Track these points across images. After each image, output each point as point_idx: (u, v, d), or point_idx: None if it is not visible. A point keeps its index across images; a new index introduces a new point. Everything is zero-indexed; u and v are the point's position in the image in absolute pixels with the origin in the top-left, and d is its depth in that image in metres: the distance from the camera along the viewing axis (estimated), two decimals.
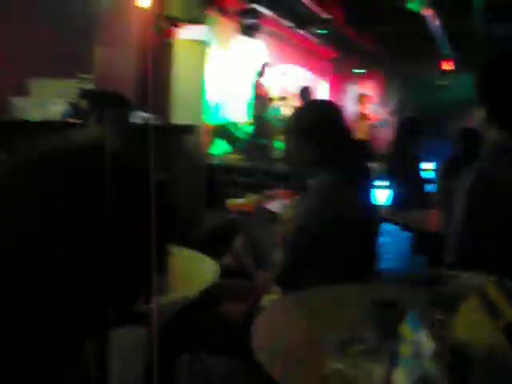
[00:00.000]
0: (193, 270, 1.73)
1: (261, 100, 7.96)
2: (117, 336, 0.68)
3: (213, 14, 7.19)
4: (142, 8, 5.44)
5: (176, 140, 5.54)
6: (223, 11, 7.78)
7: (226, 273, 2.01)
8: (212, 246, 2.38)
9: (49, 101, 4.98)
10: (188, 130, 5.49)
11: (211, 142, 7.22)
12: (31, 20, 5.79)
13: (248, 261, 2.25)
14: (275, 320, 1.52)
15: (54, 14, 5.69)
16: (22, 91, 5.93)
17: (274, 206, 3.32)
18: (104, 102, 2.19)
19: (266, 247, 2.17)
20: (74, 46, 5.68)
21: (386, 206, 4.63)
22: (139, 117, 4.73)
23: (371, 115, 13.46)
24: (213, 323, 1.84)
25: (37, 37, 5.96)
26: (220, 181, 6.28)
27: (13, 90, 5.79)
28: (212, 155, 6.84)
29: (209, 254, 2.01)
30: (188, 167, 5.82)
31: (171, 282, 1.45)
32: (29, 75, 5.90)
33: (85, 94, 3.81)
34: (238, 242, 2.33)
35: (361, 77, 13.73)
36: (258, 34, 8.51)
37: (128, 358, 1.23)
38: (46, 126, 3.84)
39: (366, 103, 13.62)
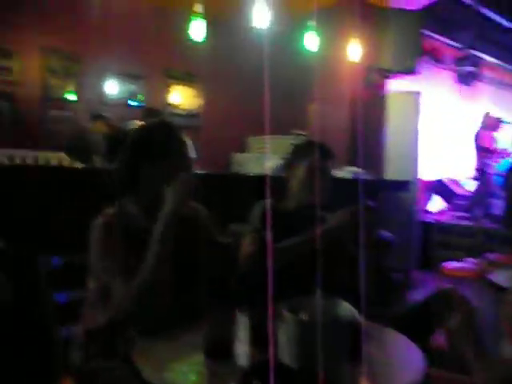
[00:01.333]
0: (394, 359, 1.32)
1: (484, 152, 7.15)
2: None
3: (426, 64, 6.83)
4: (354, 62, 5.38)
5: (388, 196, 5.22)
6: (437, 59, 7.35)
7: (436, 359, 1.57)
8: (419, 323, 1.92)
9: (265, 156, 5.32)
10: (401, 185, 5.13)
11: (427, 198, 6.69)
12: (253, 83, 6.22)
13: (467, 348, 1.74)
14: None
15: (271, 77, 5.97)
16: (243, 148, 6.43)
17: (499, 276, 2.70)
18: (309, 153, 2.06)
19: (491, 333, 1.68)
20: (290, 104, 5.88)
21: None
22: (350, 171, 4.56)
23: None
24: None
25: (255, 98, 6.34)
26: (435, 241, 5.70)
27: (236, 147, 6.34)
28: (427, 212, 6.32)
29: (414, 334, 1.61)
30: (399, 225, 5.42)
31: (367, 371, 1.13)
32: (249, 133, 6.38)
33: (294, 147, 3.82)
34: (454, 320, 1.83)
35: None
36: (477, 82, 7.82)
37: None
38: (264, 180, 3.94)
39: None
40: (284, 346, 1.04)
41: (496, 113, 7.78)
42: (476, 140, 7.19)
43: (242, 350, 1.17)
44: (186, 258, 1.49)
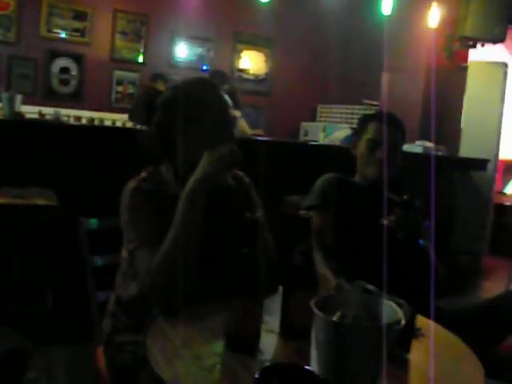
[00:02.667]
0: (446, 369, 1.10)
1: None
2: None
3: None
4: (434, 29, 5.00)
5: (461, 174, 4.87)
6: None
7: (503, 370, 1.39)
8: (487, 325, 1.69)
9: (334, 125, 5.13)
10: (477, 164, 4.76)
11: (505, 179, 6.22)
12: (325, 49, 5.99)
13: None
14: None
15: (343, 42, 5.71)
16: (312, 116, 6.25)
17: None
18: (374, 124, 1.86)
19: None
20: (363, 72, 5.60)
21: None
22: (422, 146, 4.27)
23: None
24: None
25: (327, 64, 6.12)
26: (510, 225, 5.32)
27: (305, 114, 6.17)
28: (504, 195, 5.87)
29: (479, 337, 1.41)
30: (472, 206, 5.08)
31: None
32: (318, 102, 6.18)
33: (361, 117, 3.63)
34: None
35: None
36: None
37: None
38: (326, 149, 3.82)
39: None
40: (313, 349, 0.90)
41: None
42: None
43: (269, 344, 1.05)
44: (219, 231, 1.36)
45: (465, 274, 4.92)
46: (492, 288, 4.46)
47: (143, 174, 1.36)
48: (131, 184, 1.33)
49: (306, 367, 0.83)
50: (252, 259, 1.01)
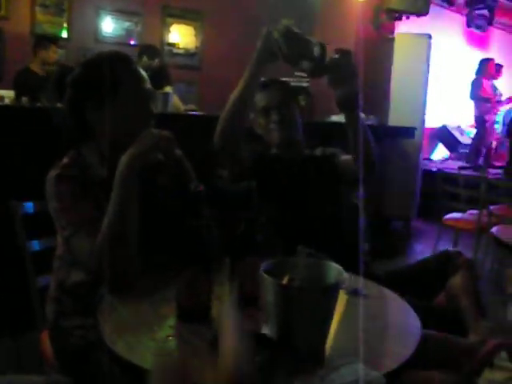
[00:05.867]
0: (389, 323, 1.18)
1: (483, 101, 6.87)
2: None
3: (437, 6, 6.50)
4: (361, 1, 5.10)
5: (392, 142, 5.05)
6: (449, 1, 6.98)
7: (434, 318, 1.49)
8: (421, 282, 1.81)
9: None
10: (406, 132, 4.96)
11: (431, 146, 6.53)
12: (255, 23, 5.95)
13: (468, 305, 1.66)
14: None
15: (273, 15, 5.69)
16: None
17: (502, 231, 2.56)
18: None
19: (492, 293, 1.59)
20: None
21: None
22: None
23: None
24: None
25: (257, 39, 6.07)
26: (438, 190, 5.60)
27: (235, 88, 6.09)
28: (431, 161, 6.17)
29: (415, 293, 1.52)
30: (401, 172, 5.30)
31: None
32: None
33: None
34: (457, 279, 1.74)
35: None
36: (488, 27, 7.46)
37: None
38: None
39: None
40: (264, 313, 0.93)
41: (500, 61, 7.47)
42: (474, 88, 6.90)
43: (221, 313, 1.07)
44: (156, 208, 1.34)
45: (397, 237, 5.18)
46: (422, 249, 4.72)
47: (65, 160, 1.30)
48: (54, 171, 1.27)
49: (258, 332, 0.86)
50: (198, 230, 1.02)
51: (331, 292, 0.89)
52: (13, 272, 1.78)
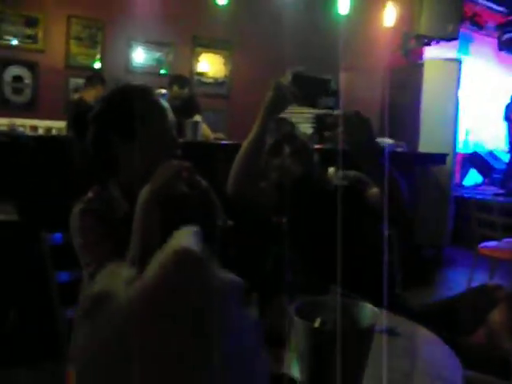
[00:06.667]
0: (429, 360, 1.12)
1: None
2: None
3: (467, 30, 6.45)
4: (389, 28, 5.09)
5: (423, 169, 4.97)
6: (479, 25, 6.92)
7: (472, 357, 1.41)
8: (456, 319, 1.73)
9: (297, 126, 5.12)
10: (437, 158, 4.87)
11: (463, 171, 6.40)
12: (282, 49, 6.01)
13: (509, 343, 1.57)
14: None
15: (302, 43, 5.75)
16: None
17: None
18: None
19: None
20: (321, 71, 5.64)
21: None
22: (381, 143, 4.34)
23: None
24: None
25: (284, 65, 6.14)
26: (471, 217, 5.47)
27: None
28: (463, 187, 6.04)
29: (448, 331, 1.45)
30: (433, 199, 5.19)
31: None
32: None
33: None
34: (497, 314, 1.66)
35: None
36: None
37: None
38: None
39: None
40: (293, 357, 0.89)
41: None
42: (508, 111, 6.78)
43: None
44: None
45: (429, 265, 5.04)
46: (455, 278, 4.58)
47: (90, 195, 1.29)
48: (78, 206, 1.26)
49: (286, 374, 0.82)
50: (226, 266, 0.99)
51: (366, 335, 0.85)
52: (40, 303, 1.78)
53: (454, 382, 0.97)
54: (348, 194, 1.73)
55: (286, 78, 1.43)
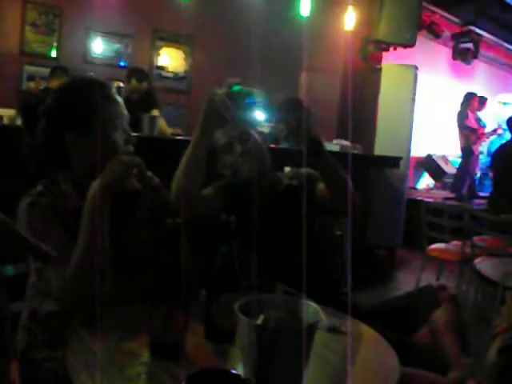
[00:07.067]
0: (366, 359, 1.16)
1: (469, 132, 6.99)
2: None
3: (424, 37, 6.63)
4: (350, 32, 5.18)
5: (378, 171, 5.09)
6: (436, 34, 7.13)
7: (415, 355, 1.47)
8: (402, 317, 1.79)
9: None
10: (391, 161, 5.00)
11: (417, 175, 6.58)
12: (243, 47, 6.02)
13: (449, 341, 1.64)
14: None
15: (263, 42, 5.77)
16: None
17: (486, 265, 2.56)
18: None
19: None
20: (281, 71, 5.69)
21: None
22: (338, 144, 4.42)
23: None
24: None
25: (245, 63, 6.15)
26: (422, 220, 5.64)
27: None
28: (416, 190, 6.21)
29: (395, 329, 1.51)
30: (386, 201, 5.32)
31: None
32: None
33: None
34: (440, 314, 1.73)
35: None
36: (473, 60, 7.62)
37: None
38: None
39: None
40: (239, 353, 0.90)
41: (484, 93, 7.63)
42: (460, 119, 7.03)
43: (193, 349, 1.04)
44: (131, 239, 1.31)
45: (381, 266, 5.17)
46: (405, 279, 4.71)
47: (39, 188, 1.27)
48: (27, 199, 1.24)
49: (232, 371, 0.83)
50: (173, 263, 1.00)
51: (307, 333, 0.87)
52: None
53: (390, 377, 1.00)
54: (297, 192, 1.75)
55: (223, 91, 1.38)
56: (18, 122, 3.71)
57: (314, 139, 1.50)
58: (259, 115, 1.41)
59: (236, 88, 1.38)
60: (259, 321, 0.89)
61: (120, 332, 1.10)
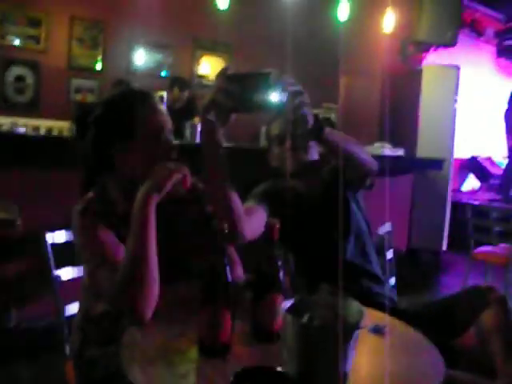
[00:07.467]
0: (410, 361, 1.12)
1: None
2: None
3: (466, 36, 6.50)
4: (389, 34, 5.14)
5: (419, 174, 5.02)
6: (478, 32, 6.97)
7: (461, 358, 1.45)
8: (447, 319, 1.75)
9: None
10: (435, 163, 4.92)
11: (461, 177, 6.43)
12: (282, 53, 6.06)
13: (498, 345, 1.59)
14: None
15: (302, 47, 5.79)
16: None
17: None
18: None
19: None
20: (321, 76, 5.69)
21: None
22: (380, 147, 4.38)
23: None
24: None
25: (286, 70, 6.18)
26: (468, 223, 5.51)
27: (266, 120, 6.17)
28: (460, 192, 6.08)
29: (440, 331, 1.48)
30: (430, 204, 5.24)
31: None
32: None
33: None
34: (488, 316, 1.67)
35: None
36: None
37: None
38: None
39: None
40: (284, 352, 0.93)
41: None
42: (507, 118, 6.81)
43: (241, 348, 1.08)
44: (179, 242, 1.36)
45: (425, 270, 5.08)
46: (451, 283, 4.62)
47: (90, 194, 1.34)
48: (79, 205, 1.30)
49: (278, 369, 0.86)
50: (220, 266, 1.03)
51: (351, 332, 0.89)
52: (43, 300, 1.82)
53: (435, 379, 1.01)
54: (336, 188, 1.71)
55: (218, 78, 1.35)
56: (71, 132, 3.87)
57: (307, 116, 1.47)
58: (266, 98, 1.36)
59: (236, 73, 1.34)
60: (304, 320, 0.92)
61: (170, 331, 1.15)
